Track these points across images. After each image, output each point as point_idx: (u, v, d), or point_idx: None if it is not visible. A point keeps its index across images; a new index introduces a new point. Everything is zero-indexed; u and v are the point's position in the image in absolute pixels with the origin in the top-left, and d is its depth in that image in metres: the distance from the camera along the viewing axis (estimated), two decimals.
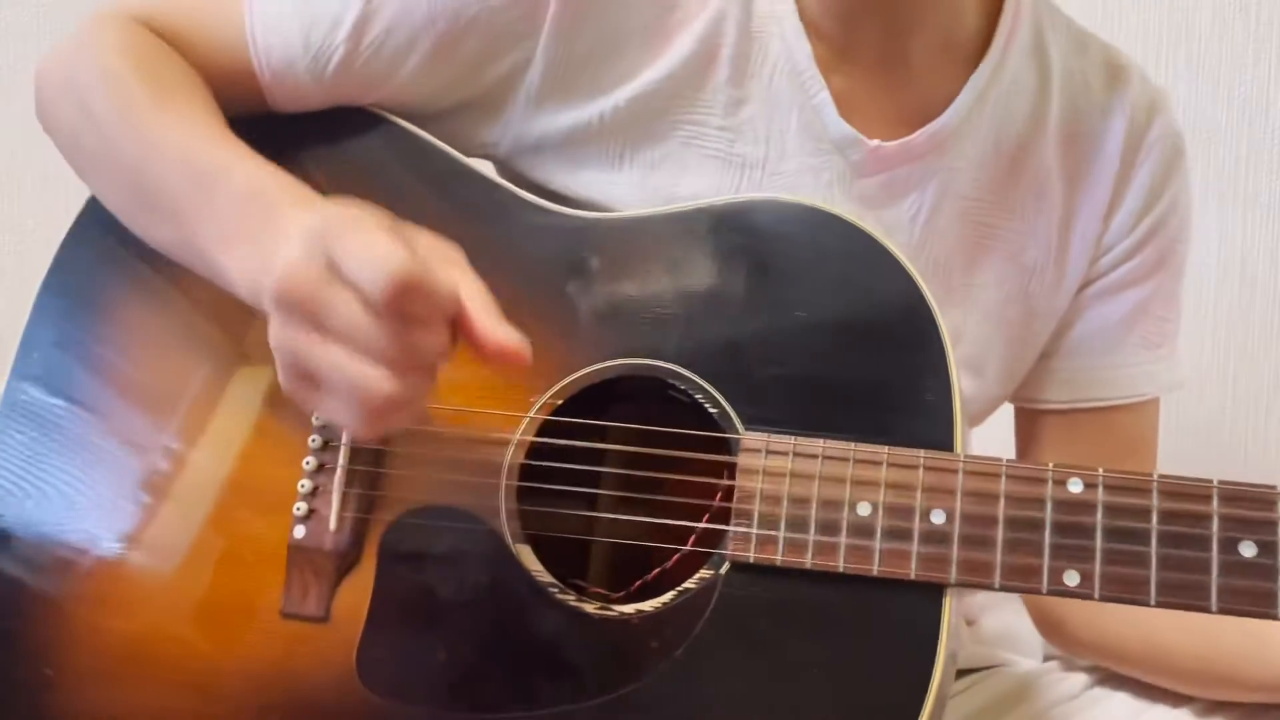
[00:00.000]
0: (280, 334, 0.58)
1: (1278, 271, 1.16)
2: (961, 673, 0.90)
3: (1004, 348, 0.81)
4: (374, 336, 0.56)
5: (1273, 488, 0.60)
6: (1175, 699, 0.79)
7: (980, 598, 0.95)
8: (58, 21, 1.32)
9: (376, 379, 0.56)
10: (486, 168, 0.80)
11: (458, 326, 0.59)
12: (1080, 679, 0.84)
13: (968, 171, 0.78)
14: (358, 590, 0.71)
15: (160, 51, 0.76)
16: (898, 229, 0.77)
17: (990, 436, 0.84)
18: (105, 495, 0.74)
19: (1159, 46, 1.18)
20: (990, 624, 0.93)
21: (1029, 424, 0.87)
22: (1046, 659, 0.92)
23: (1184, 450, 1.10)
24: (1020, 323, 0.81)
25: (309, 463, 0.73)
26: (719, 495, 0.71)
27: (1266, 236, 1.16)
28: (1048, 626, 0.88)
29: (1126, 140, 0.81)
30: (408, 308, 0.56)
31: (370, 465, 0.72)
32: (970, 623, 0.92)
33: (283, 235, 0.61)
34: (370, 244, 0.56)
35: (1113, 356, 0.83)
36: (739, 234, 0.71)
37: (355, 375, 0.56)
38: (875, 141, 0.76)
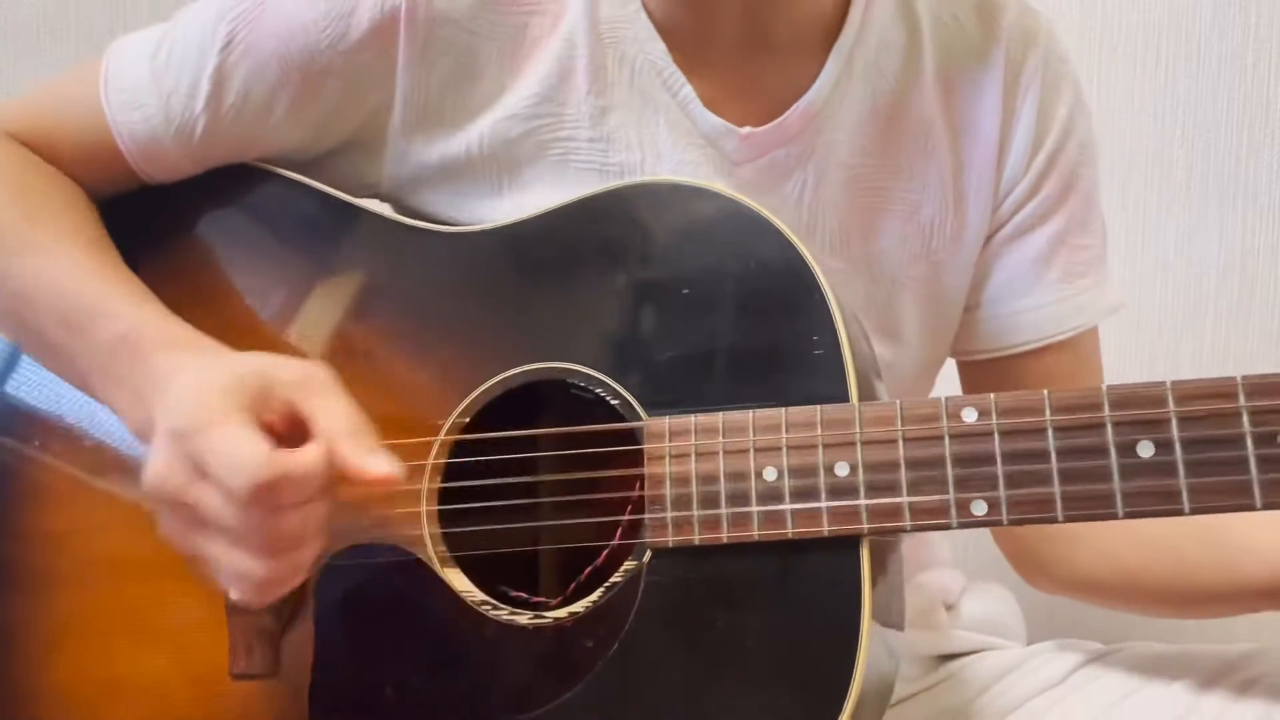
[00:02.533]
0: (163, 524, 0.63)
1: (1278, 271, 1.15)
2: (944, 659, 0.89)
3: (918, 308, 0.80)
4: (244, 530, 0.59)
5: (1161, 384, 0.59)
6: (1169, 676, 0.76)
7: (959, 580, 0.91)
8: (58, 22, 1.33)
9: (250, 567, 0.60)
10: (378, 204, 0.81)
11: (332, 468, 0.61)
12: (1068, 661, 0.81)
13: (847, 140, 0.77)
14: (301, 640, 0.71)
15: (32, 169, 0.77)
16: (784, 211, 0.76)
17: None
18: (42, 576, 0.75)
19: (1159, 46, 1.17)
20: (972, 609, 0.91)
21: (970, 377, 0.86)
22: (1031, 643, 0.89)
23: None
24: (929, 280, 0.80)
25: None
26: (637, 485, 0.71)
27: (1266, 236, 1.15)
28: (1031, 572, 0.87)
29: (1006, 76, 0.79)
30: (274, 501, 0.58)
31: None
32: (949, 607, 0.90)
33: (157, 392, 0.64)
34: (230, 447, 0.58)
35: (1035, 296, 0.81)
36: (612, 222, 0.71)
37: (231, 565, 0.60)
38: (746, 128, 0.75)
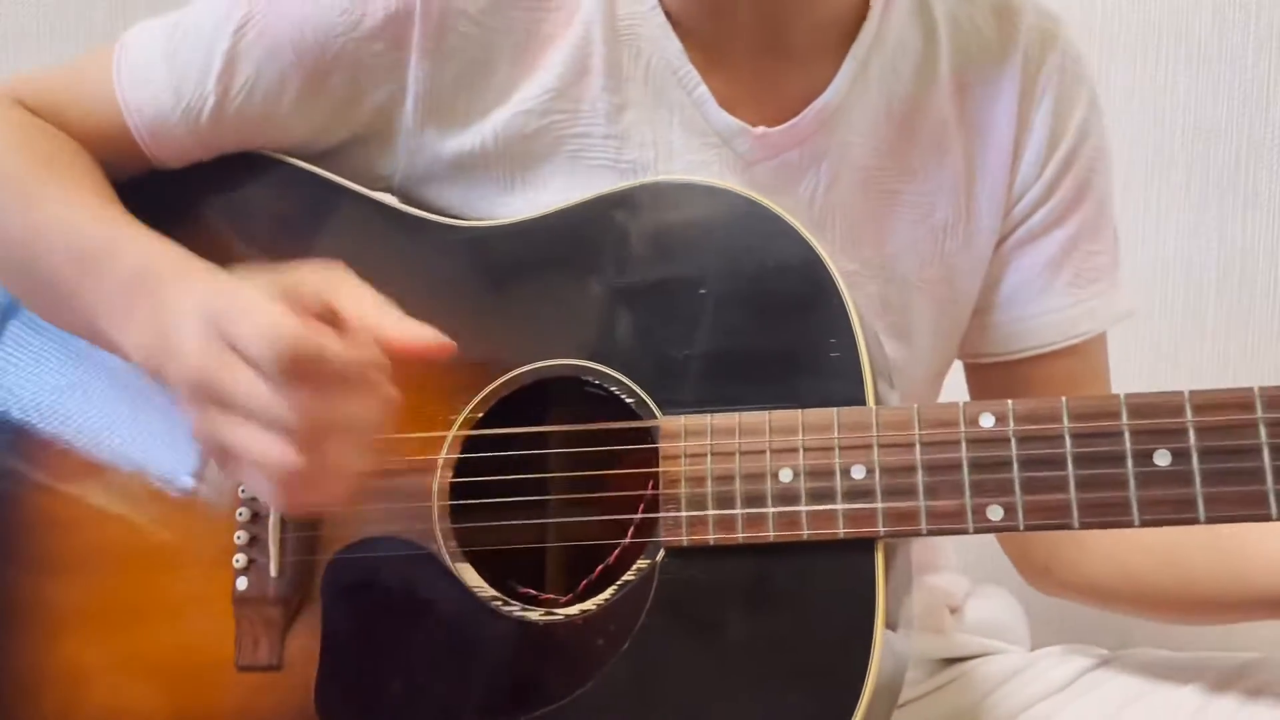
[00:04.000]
0: (194, 418, 0.60)
1: (1278, 271, 1.16)
2: (949, 662, 0.89)
3: (929, 310, 0.80)
4: (276, 410, 0.56)
5: (1179, 393, 0.60)
6: (1179, 679, 0.77)
7: (963, 584, 0.92)
8: (58, 21, 1.32)
9: (281, 452, 0.57)
10: (391, 199, 0.80)
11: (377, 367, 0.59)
12: (1073, 665, 0.82)
13: (862, 142, 0.77)
14: (308, 632, 0.71)
15: (38, 128, 0.76)
16: (797, 212, 0.75)
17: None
18: (51, 565, 0.74)
19: (1159, 46, 1.17)
20: (974, 612, 0.91)
21: (978, 380, 0.86)
22: (1034, 648, 0.90)
23: None
24: (941, 282, 0.80)
25: (242, 513, 0.73)
26: (650, 484, 0.71)
27: (1266, 236, 1.16)
28: (1035, 575, 0.87)
29: (1022, 78, 0.78)
30: (309, 379, 0.56)
31: None
32: (954, 611, 0.90)
33: (174, 315, 0.62)
34: (259, 318, 0.56)
35: (1046, 301, 0.81)
36: (629, 220, 0.71)
37: (260, 450, 0.57)
38: (760, 128, 0.75)
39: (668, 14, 0.75)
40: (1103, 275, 0.82)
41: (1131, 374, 0.89)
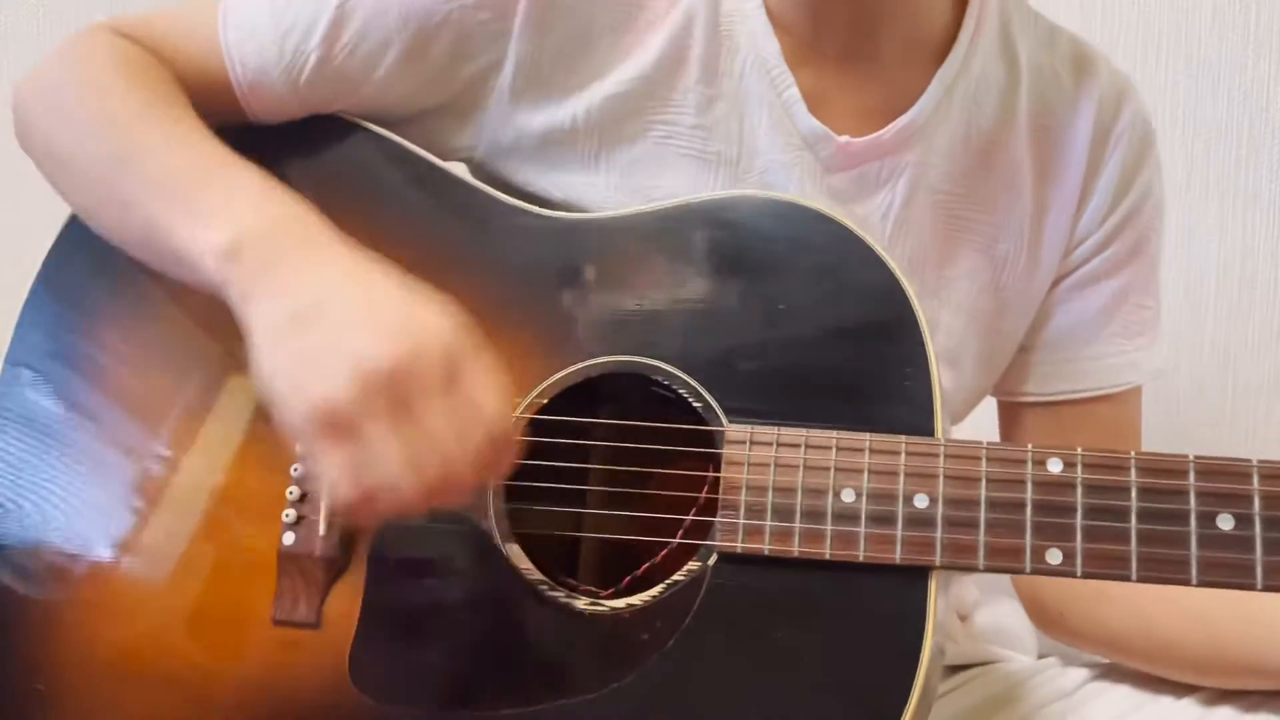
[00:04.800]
0: (355, 409, 0.59)
1: (1278, 271, 1.17)
2: (954, 669, 0.90)
3: (978, 340, 0.82)
4: (437, 454, 0.59)
5: (1248, 461, 0.61)
6: (1179, 690, 0.79)
7: (973, 593, 0.95)
8: (58, 21, 1.33)
9: (410, 484, 0.59)
10: (462, 170, 0.81)
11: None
12: (1077, 675, 0.84)
13: (938, 165, 0.79)
14: (348, 595, 0.72)
15: (145, 59, 0.77)
16: (870, 223, 0.78)
17: (972, 430, 0.84)
18: (96, 503, 0.75)
19: (1159, 46, 1.19)
20: (983, 620, 0.93)
21: (1011, 417, 0.88)
22: (1041, 656, 0.92)
23: (1184, 450, 1.09)
24: (993, 314, 0.82)
25: (296, 469, 0.73)
26: (705, 488, 0.72)
27: (1266, 236, 1.17)
28: (1045, 620, 0.88)
29: (1095, 131, 0.81)
30: (493, 461, 0.61)
31: None
32: (963, 618, 0.92)
33: (337, 289, 0.63)
34: (497, 388, 0.61)
35: (1092, 348, 0.84)
36: (716, 230, 0.72)
37: (395, 473, 0.59)
38: (845, 137, 0.77)
39: (770, 14, 0.76)
40: (1147, 329, 0.85)
41: None
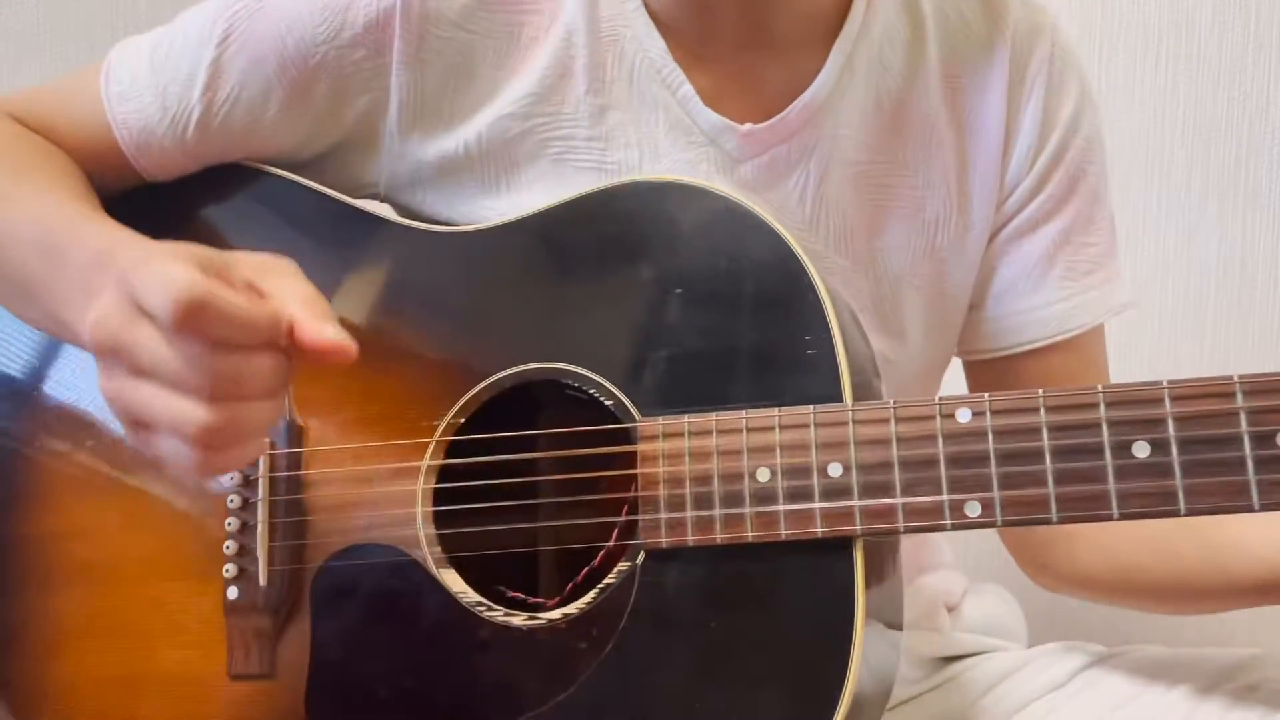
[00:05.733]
0: (104, 383, 0.57)
1: (1278, 271, 1.15)
2: (946, 660, 0.88)
3: (922, 305, 0.80)
4: (178, 366, 0.55)
5: (1159, 383, 0.59)
6: (1169, 681, 0.76)
7: (960, 582, 0.91)
8: (58, 21, 1.34)
9: (189, 410, 0.55)
10: (378, 206, 0.81)
11: (287, 340, 0.57)
12: (1069, 666, 0.81)
13: (851, 136, 0.77)
14: (298, 640, 0.72)
15: (24, 137, 0.77)
16: (787, 208, 0.76)
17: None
18: (36, 581, 0.75)
19: (1159, 46, 1.17)
20: (972, 611, 0.90)
21: (976, 377, 0.86)
22: (1031, 646, 0.89)
23: None
24: (933, 278, 0.80)
25: (231, 523, 0.74)
26: (633, 486, 0.71)
27: (1266, 236, 1.15)
28: (1034, 570, 0.86)
29: (1011, 73, 0.78)
30: (209, 331, 0.54)
31: (292, 515, 0.73)
32: (951, 609, 0.90)
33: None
34: (160, 273, 0.54)
35: (1039, 295, 0.81)
36: (607, 222, 0.71)
37: (166, 409, 0.55)
38: (746, 125, 0.75)
39: (650, 13, 0.75)
40: (1098, 268, 0.81)
41: (1132, 374, 0.87)
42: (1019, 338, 0.82)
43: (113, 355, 0.57)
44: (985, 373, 0.84)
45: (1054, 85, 0.79)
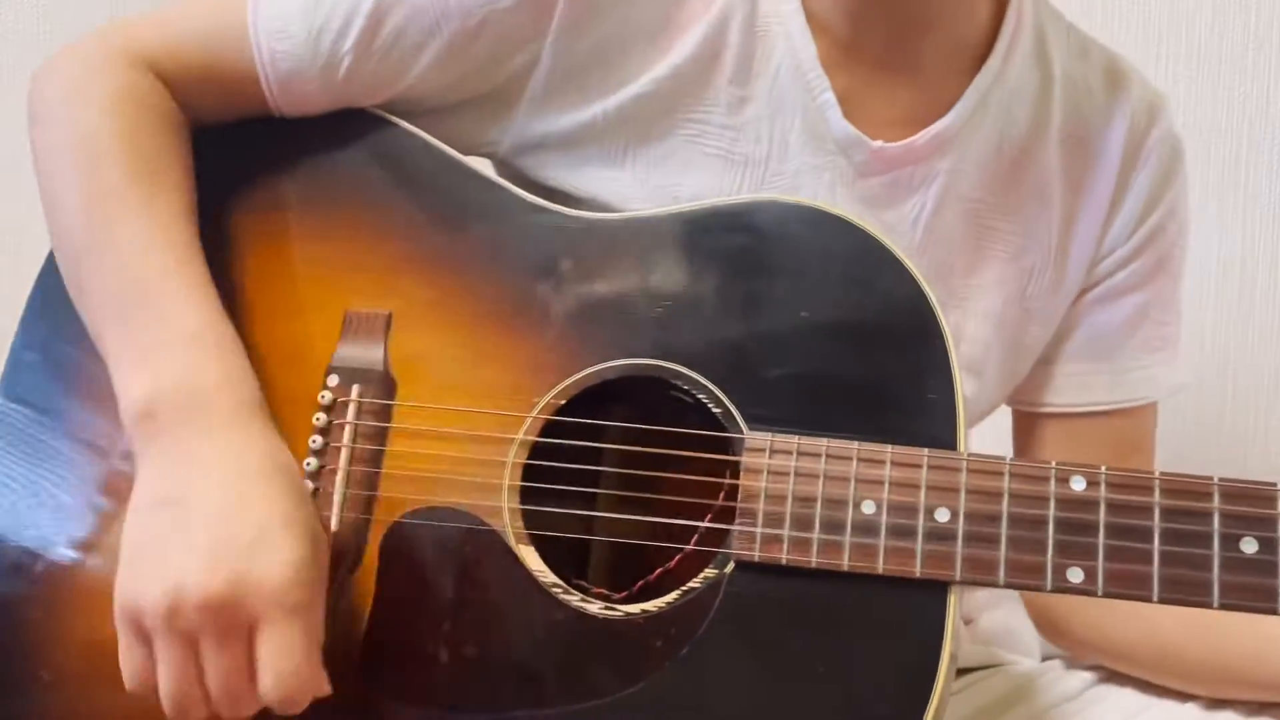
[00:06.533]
0: (154, 625, 0.62)
1: (1278, 271, 1.17)
2: (960, 672, 0.90)
3: (1002, 350, 0.82)
4: (198, 699, 0.62)
5: (1273, 484, 0.61)
6: (1180, 695, 0.79)
7: (980, 596, 0.95)
8: (58, 21, 1.31)
9: (169, 708, 0.63)
10: (485, 166, 0.80)
11: None
12: (1082, 678, 0.84)
13: (970, 173, 0.78)
14: (359, 592, 0.71)
15: (147, 105, 0.75)
16: (900, 230, 0.77)
17: (984, 438, 0.84)
18: (83, 502, 0.74)
19: (1159, 46, 1.18)
20: (989, 623, 0.93)
21: (1027, 427, 0.88)
22: (1045, 658, 0.92)
23: (1184, 450, 1.10)
24: (1017, 325, 0.82)
25: (309, 464, 0.73)
26: (722, 495, 0.71)
27: (1266, 236, 1.17)
28: (1050, 629, 0.88)
29: (1127, 145, 0.81)
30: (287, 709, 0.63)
31: (371, 466, 0.72)
32: (968, 622, 0.92)
33: (202, 474, 0.65)
34: (291, 654, 0.62)
35: (1112, 361, 0.84)
36: (741, 234, 0.72)
37: (165, 692, 0.63)
38: (878, 143, 0.76)
39: (808, 15, 0.76)
40: (1167, 346, 0.85)
41: None
42: (1088, 397, 0.84)
43: (187, 631, 0.62)
44: (1038, 425, 0.87)
45: (1163, 166, 0.82)
